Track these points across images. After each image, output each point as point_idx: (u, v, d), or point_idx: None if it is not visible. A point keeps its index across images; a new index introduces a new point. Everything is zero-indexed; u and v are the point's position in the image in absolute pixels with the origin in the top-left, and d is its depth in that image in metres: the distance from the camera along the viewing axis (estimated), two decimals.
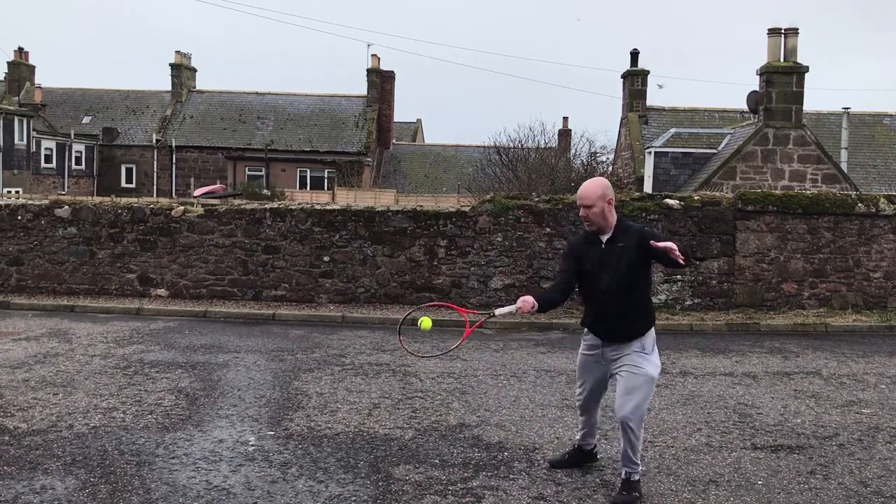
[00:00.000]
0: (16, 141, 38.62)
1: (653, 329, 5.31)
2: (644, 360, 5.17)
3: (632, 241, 5.14)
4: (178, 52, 45.77)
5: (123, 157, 44.90)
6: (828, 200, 13.81)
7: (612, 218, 5.22)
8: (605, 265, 5.18)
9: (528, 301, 5.10)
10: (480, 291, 13.57)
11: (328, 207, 14.17)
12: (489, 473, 5.68)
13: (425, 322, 5.10)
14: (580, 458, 5.78)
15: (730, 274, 13.61)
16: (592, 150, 28.28)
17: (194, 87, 47.09)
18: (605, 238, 5.23)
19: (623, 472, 5.25)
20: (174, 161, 43.97)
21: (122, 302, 13.41)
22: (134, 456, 5.87)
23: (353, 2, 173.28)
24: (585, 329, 5.44)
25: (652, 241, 4.96)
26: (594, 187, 5.19)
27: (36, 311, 12.84)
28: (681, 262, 4.83)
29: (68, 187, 42.29)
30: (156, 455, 5.90)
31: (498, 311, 5.33)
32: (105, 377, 8.27)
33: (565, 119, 44.01)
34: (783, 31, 21.84)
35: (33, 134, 40.07)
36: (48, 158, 41.89)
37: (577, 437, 5.82)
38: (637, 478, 5.25)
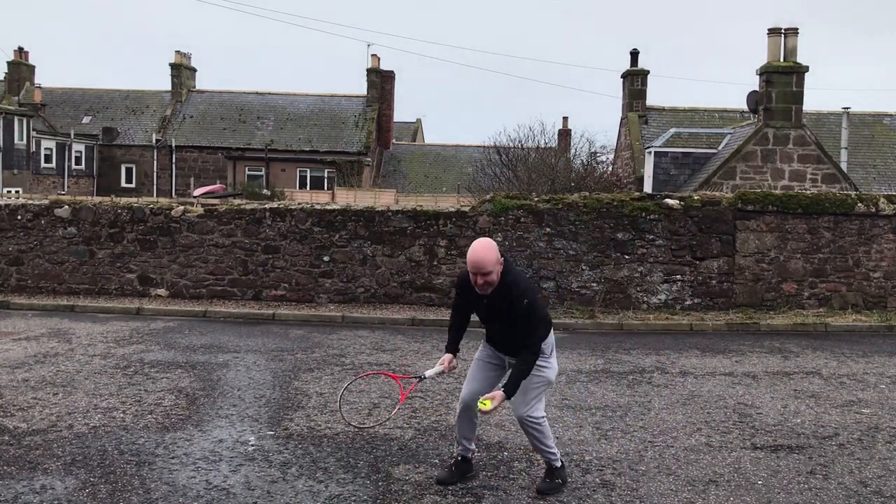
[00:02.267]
0: (16, 141, 38.60)
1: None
2: None
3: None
4: (178, 52, 45.74)
5: (123, 157, 44.87)
6: (828, 200, 13.81)
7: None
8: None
9: (447, 358, 5.31)
10: None
11: (328, 207, 14.17)
12: (489, 473, 5.68)
13: None
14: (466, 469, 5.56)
15: (730, 274, 13.61)
16: (592, 150, 28.27)
17: (194, 87, 47.04)
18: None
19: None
20: (174, 161, 43.94)
21: (121, 302, 13.41)
22: (134, 456, 5.87)
23: (353, 2, 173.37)
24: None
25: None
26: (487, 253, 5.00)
27: (36, 310, 12.84)
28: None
29: (68, 187, 42.27)
30: (156, 455, 5.90)
31: (428, 373, 5.34)
32: (105, 377, 8.28)
33: (565, 119, 43.91)
34: (783, 31, 21.85)
35: (33, 134, 40.05)
36: (48, 158, 41.87)
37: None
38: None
